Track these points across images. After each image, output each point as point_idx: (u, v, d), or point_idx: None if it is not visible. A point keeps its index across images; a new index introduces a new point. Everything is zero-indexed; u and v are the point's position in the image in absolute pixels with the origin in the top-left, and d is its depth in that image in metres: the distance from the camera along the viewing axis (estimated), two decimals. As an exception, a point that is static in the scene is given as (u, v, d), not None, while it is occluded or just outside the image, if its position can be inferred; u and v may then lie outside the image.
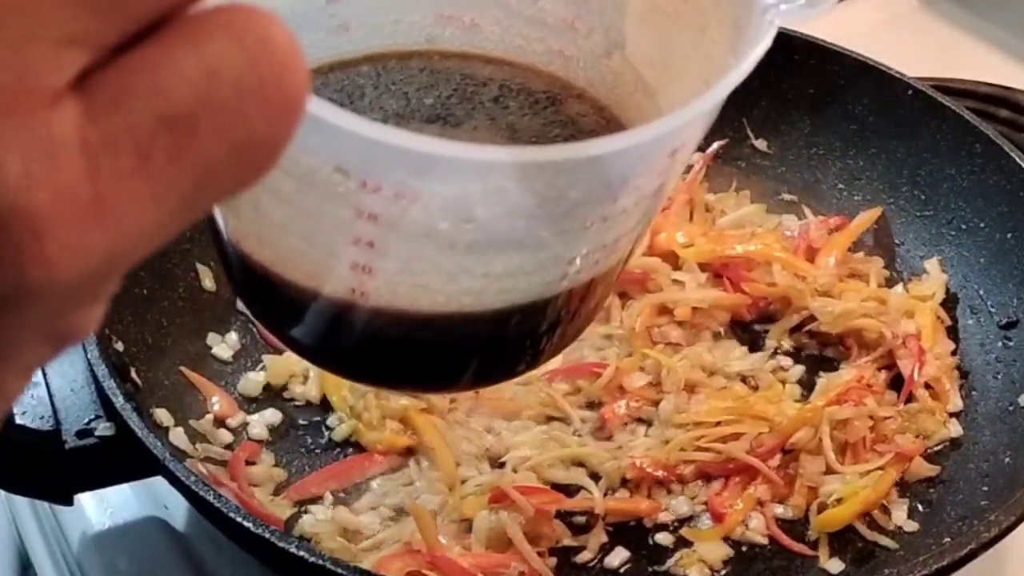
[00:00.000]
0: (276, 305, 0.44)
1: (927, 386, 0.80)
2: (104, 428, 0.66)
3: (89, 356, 0.67)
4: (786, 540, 0.73)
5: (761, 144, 0.98)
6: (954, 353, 0.84)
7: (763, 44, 0.41)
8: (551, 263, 0.41)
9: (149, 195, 0.24)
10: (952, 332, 0.85)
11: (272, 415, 0.78)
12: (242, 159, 0.25)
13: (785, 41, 0.96)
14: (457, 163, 0.36)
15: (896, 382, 0.81)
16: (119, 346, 0.71)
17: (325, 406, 0.78)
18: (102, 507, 0.74)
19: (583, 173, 0.38)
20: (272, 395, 0.79)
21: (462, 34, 0.51)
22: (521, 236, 0.39)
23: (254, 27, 0.25)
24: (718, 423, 0.76)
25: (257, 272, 0.42)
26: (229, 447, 0.75)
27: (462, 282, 0.40)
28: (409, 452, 0.76)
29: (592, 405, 0.79)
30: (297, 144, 0.35)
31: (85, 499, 0.73)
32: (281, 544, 0.59)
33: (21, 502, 0.77)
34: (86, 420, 0.67)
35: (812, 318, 0.84)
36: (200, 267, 0.81)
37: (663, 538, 0.73)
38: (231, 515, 0.60)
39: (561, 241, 0.40)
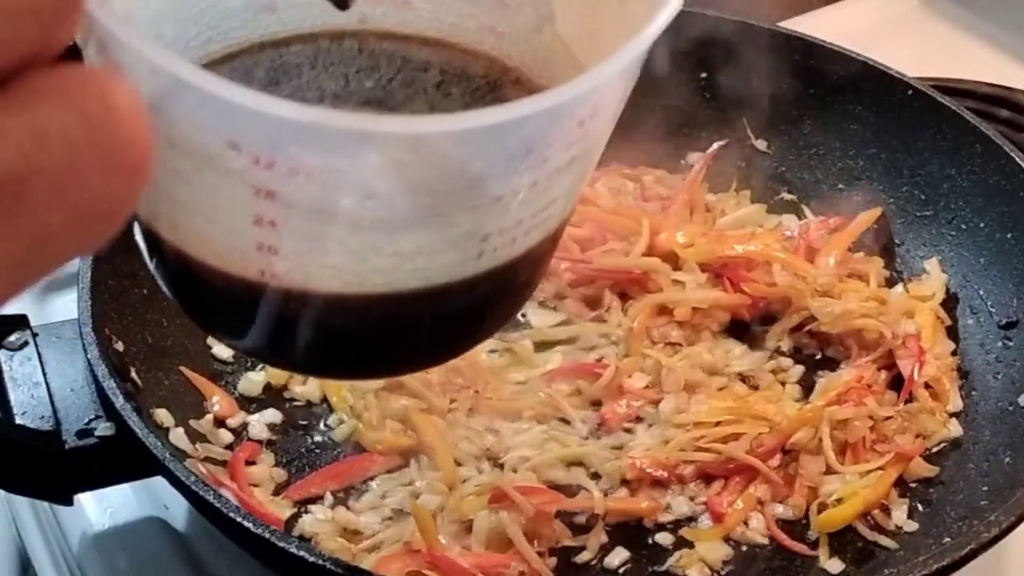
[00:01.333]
0: (194, 291, 0.44)
1: (927, 386, 0.80)
2: (104, 428, 0.66)
3: (89, 356, 0.67)
4: (786, 540, 0.73)
5: (761, 144, 0.98)
6: (954, 353, 0.84)
7: (667, 10, 0.40)
8: (463, 240, 0.40)
9: None
10: (952, 332, 0.85)
11: (272, 415, 0.78)
12: (82, 223, 0.25)
13: (785, 41, 0.97)
14: (347, 135, 0.35)
15: (896, 382, 0.81)
16: (119, 346, 0.71)
17: (325, 406, 0.78)
18: (102, 507, 0.74)
19: (481, 144, 0.37)
20: (272, 395, 0.79)
21: (394, 12, 0.50)
22: (427, 212, 0.38)
23: (90, 88, 0.24)
24: (718, 423, 0.76)
25: (171, 256, 0.42)
26: (229, 447, 0.75)
27: (372, 261, 0.39)
28: (409, 452, 0.76)
29: (592, 405, 0.79)
30: (187, 119, 0.33)
31: (85, 499, 0.73)
32: (281, 544, 0.59)
33: (21, 502, 0.77)
34: (86, 420, 0.67)
35: (812, 318, 0.84)
36: (200, 267, 0.81)
37: (663, 538, 0.73)
38: (231, 515, 0.60)
39: (471, 217, 0.39)
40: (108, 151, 0.25)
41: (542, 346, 0.83)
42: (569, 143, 0.39)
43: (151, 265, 0.45)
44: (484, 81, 0.49)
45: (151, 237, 0.43)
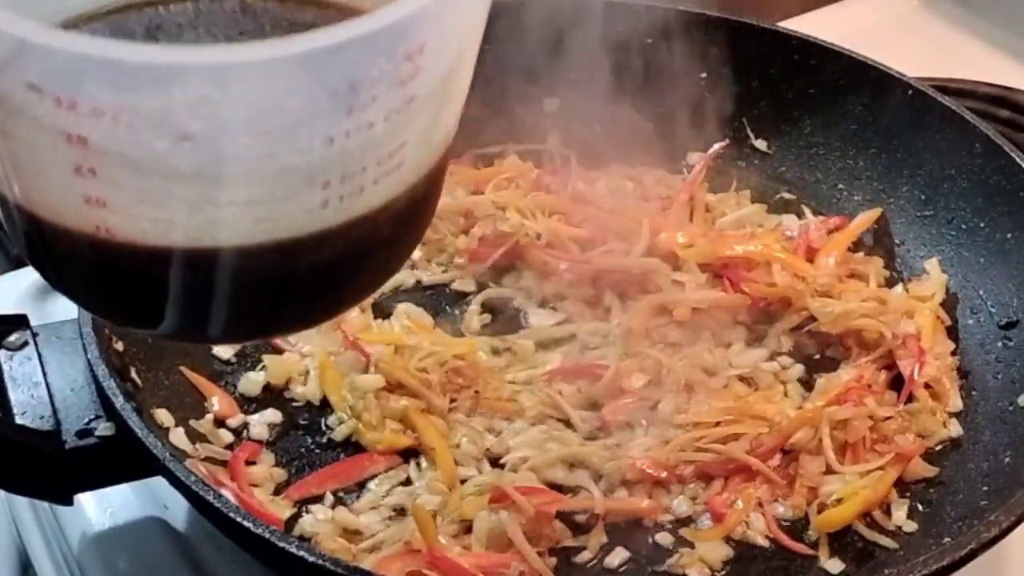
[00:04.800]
0: (42, 251, 0.42)
1: (927, 386, 0.80)
2: (104, 428, 0.66)
3: (89, 356, 0.67)
4: (786, 540, 0.73)
5: (761, 144, 0.98)
6: (954, 353, 0.84)
7: None
8: (302, 187, 0.38)
9: None
10: (952, 332, 0.85)
11: (272, 415, 0.78)
12: None
13: (785, 41, 0.97)
14: (142, 69, 0.34)
15: (896, 382, 0.81)
16: (119, 346, 0.71)
17: (325, 406, 0.78)
18: (102, 507, 0.74)
19: (294, 77, 0.35)
20: (272, 395, 0.79)
21: None
22: (253, 155, 0.37)
23: None
24: (718, 423, 0.76)
25: (17, 214, 0.41)
26: (229, 447, 0.75)
27: (208, 212, 0.38)
28: (409, 452, 0.76)
29: (592, 405, 0.79)
30: None
31: (85, 499, 0.73)
32: (281, 544, 0.59)
33: (21, 502, 0.77)
34: (86, 420, 0.67)
35: (812, 318, 0.84)
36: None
37: (663, 538, 0.73)
38: (231, 515, 0.60)
39: (303, 161, 0.37)
40: None
41: (542, 346, 0.83)
42: (402, 79, 0.37)
43: (24, 253, 0.44)
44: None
45: (8, 210, 0.41)
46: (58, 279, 0.45)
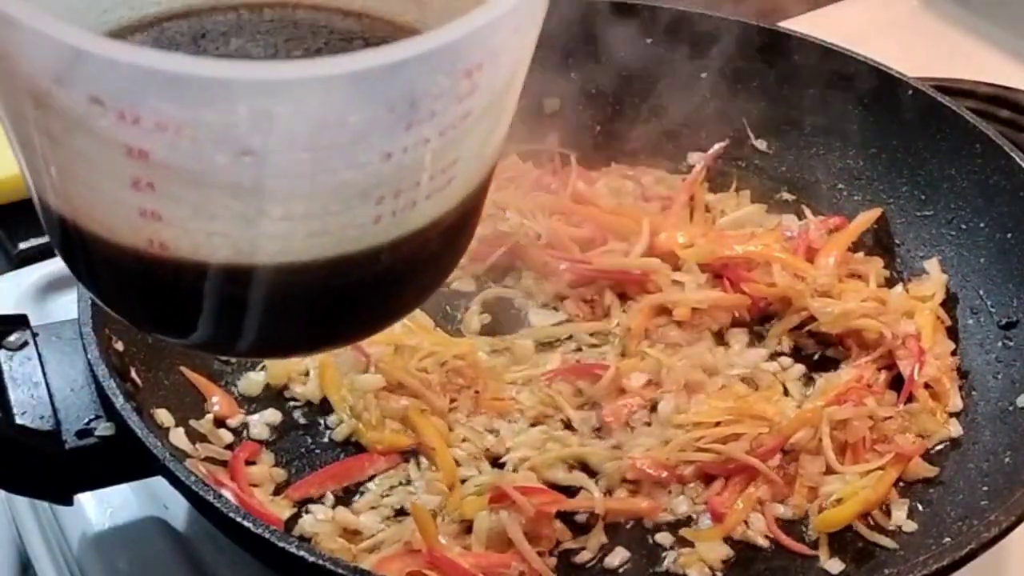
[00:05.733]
0: (95, 269, 0.42)
1: (927, 386, 0.80)
2: (104, 428, 0.66)
3: (89, 356, 0.67)
4: (786, 540, 0.72)
5: (761, 144, 0.98)
6: (954, 353, 0.84)
7: None
8: (356, 201, 0.38)
9: None
10: (952, 332, 0.85)
11: (272, 415, 0.78)
12: None
13: (785, 41, 0.97)
14: (207, 84, 0.34)
15: (896, 382, 0.81)
16: (119, 346, 0.71)
17: (325, 406, 0.78)
18: (102, 507, 0.74)
19: (356, 93, 0.35)
20: (272, 395, 0.79)
21: None
22: (311, 170, 0.37)
23: None
24: (718, 423, 0.76)
25: (68, 230, 0.41)
26: (229, 447, 0.75)
27: (263, 227, 0.38)
28: (409, 452, 0.76)
29: (592, 405, 0.79)
30: (51, 75, 0.32)
31: (85, 499, 0.73)
32: (281, 544, 0.59)
33: (21, 502, 0.77)
34: (86, 420, 0.67)
35: (812, 318, 0.84)
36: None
37: (663, 538, 0.73)
38: (231, 515, 0.60)
39: (360, 176, 0.38)
40: None
41: (542, 346, 0.83)
42: (459, 96, 0.38)
43: (66, 261, 0.44)
44: None
45: (57, 224, 0.41)
46: (97, 287, 0.45)
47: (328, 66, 0.34)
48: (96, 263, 0.42)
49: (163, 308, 0.43)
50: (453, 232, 0.43)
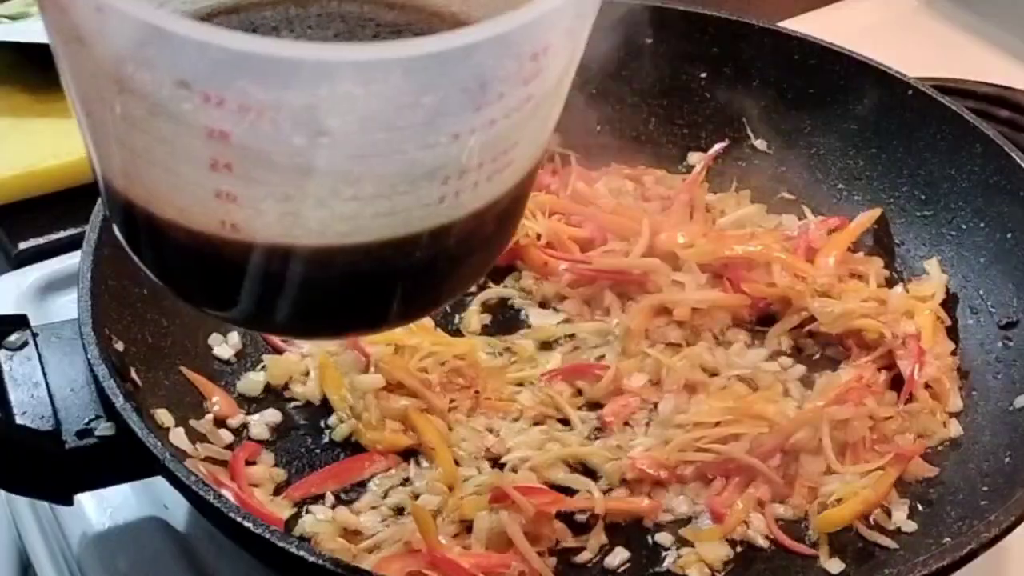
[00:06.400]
0: (167, 257, 0.43)
1: (927, 386, 0.80)
2: (104, 428, 0.66)
3: (89, 356, 0.67)
4: (786, 540, 0.72)
5: (761, 144, 0.98)
6: (954, 353, 0.84)
7: None
8: (424, 181, 0.39)
9: None
10: (952, 332, 0.85)
11: (272, 415, 0.78)
12: None
13: (785, 41, 0.97)
14: (294, 65, 0.35)
15: (896, 382, 0.81)
16: (119, 346, 0.71)
17: (325, 406, 0.78)
18: (102, 507, 0.74)
19: (432, 74, 0.36)
20: (272, 395, 0.79)
21: None
22: (384, 150, 0.38)
23: None
24: (718, 423, 0.76)
25: (139, 218, 0.41)
26: (229, 447, 0.75)
27: (333, 207, 0.39)
28: (409, 452, 0.76)
29: (592, 405, 0.80)
30: (136, 59, 0.33)
31: (85, 499, 0.73)
32: (281, 544, 0.59)
33: (21, 502, 0.77)
34: (86, 420, 0.67)
35: (812, 318, 0.84)
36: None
37: (663, 538, 0.73)
38: (231, 515, 0.60)
39: (429, 156, 0.39)
40: None
41: (542, 346, 0.83)
42: (525, 78, 0.39)
43: (126, 243, 0.45)
44: None
45: (122, 207, 0.42)
46: (157, 265, 0.45)
47: (409, 47, 0.35)
48: (161, 242, 0.42)
49: (224, 286, 0.43)
50: (506, 215, 0.45)
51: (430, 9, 0.50)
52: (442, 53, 0.36)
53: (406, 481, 0.74)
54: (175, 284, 0.47)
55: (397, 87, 0.36)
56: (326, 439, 0.77)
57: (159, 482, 0.64)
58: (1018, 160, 0.85)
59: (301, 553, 0.59)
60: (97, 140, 0.41)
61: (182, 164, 0.38)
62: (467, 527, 0.71)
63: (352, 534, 0.71)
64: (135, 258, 0.45)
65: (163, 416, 0.72)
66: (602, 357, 0.82)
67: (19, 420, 0.66)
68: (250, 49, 0.34)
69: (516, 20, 0.36)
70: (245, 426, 0.77)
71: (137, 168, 0.40)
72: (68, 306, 0.79)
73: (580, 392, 0.80)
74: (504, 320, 0.86)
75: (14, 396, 0.67)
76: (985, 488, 0.73)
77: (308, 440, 0.77)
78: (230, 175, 0.38)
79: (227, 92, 0.35)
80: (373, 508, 0.73)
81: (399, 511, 0.72)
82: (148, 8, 0.34)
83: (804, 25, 1.04)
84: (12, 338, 0.69)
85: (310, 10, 0.49)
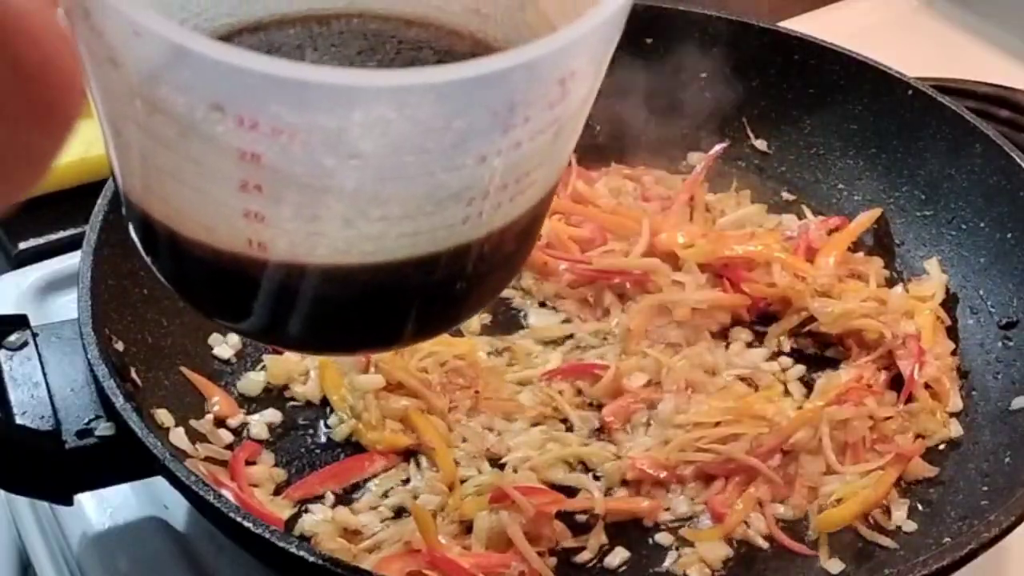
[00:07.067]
0: (187, 272, 0.44)
1: (927, 386, 0.80)
2: (104, 428, 0.66)
3: (89, 356, 0.67)
4: (786, 540, 0.72)
5: (761, 144, 0.98)
6: (954, 353, 0.84)
7: None
8: (450, 203, 0.40)
9: None
10: (952, 332, 0.85)
11: (272, 415, 0.78)
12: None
13: (785, 41, 0.97)
14: (329, 90, 0.35)
15: (896, 382, 0.81)
16: (119, 346, 0.71)
17: (325, 406, 0.78)
18: (102, 507, 0.74)
19: (464, 99, 0.37)
20: (272, 395, 0.79)
21: None
22: (413, 172, 0.38)
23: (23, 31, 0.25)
24: (718, 423, 0.76)
25: (161, 233, 0.42)
26: (229, 447, 0.75)
27: (360, 227, 0.39)
28: (409, 452, 0.76)
29: (592, 405, 0.80)
30: (172, 82, 0.34)
31: (85, 499, 0.73)
32: (281, 544, 0.59)
33: (21, 502, 0.77)
34: (86, 420, 0.67)
35: (812, 318, 0.84)
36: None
37: (663, 538, 0.73)
38: (231, 515, 0.60)
39: (456, 178, 0.39)
40: (35, 100, 0.25)
41: (542, 346, 0.83)
42: (551, 102, 0.39)
43: (145, 254, 0.45)
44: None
45: (144, 222, 0.43)
46: (178, 280, 0.46)
47: (444, 73, 0.36)
48: (183, 257, 0.43)
49: (242, 300, 0.44)
50: (525, 234, 0.45)
51: (449, 27, 0.50)
52: (477, 79, 0.36)
53: (406, 481, 0.74)
54: (191, 295, 0.47)
55: (429, 111, 0.37)
56: (326, 439, 0.77)
57: (159, 482, 0.64)
58: (1018, 160, 0.85)
59: (301, 553, 0.59)
60: (122, 157, 0.42)
61: (211, 184, 0.39)
62: (467, 527, 0.71)
63: (352, 534, 0.71)
64: (152, 266, 0.46)
65: (163, 416, 0.72)
66: (602, 357, 0.82)
67: (19, 420, 0.66)
68: (288, 75, 0.34)
69: (548, 46, 0.37)
70: (245, 426, 0.77)
71: (164, 186, 0.40)
72: (68, 306, 0.79)
73: (580, 392, 0.80)
74: (504, 320, 0.86)
75: (14, 396, 0.67)
76: (985, 488, 0.73)
77: (308, 440, 0.77)
78: (260, 196, 0.38)
79: (261, 116, 0.36)
80: (373, 508, 0.73)
81: (399, 511, 0.72)
82: (185, 32, 0.34)
83: (804, 25, 1.04)
84: (12, 338, 0.69)
85: (333, 27, 0.50)
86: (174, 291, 0.46)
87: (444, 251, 0.42)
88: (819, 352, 0.85)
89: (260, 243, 0.40)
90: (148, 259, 0.46)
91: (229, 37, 0.49)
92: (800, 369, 0.83)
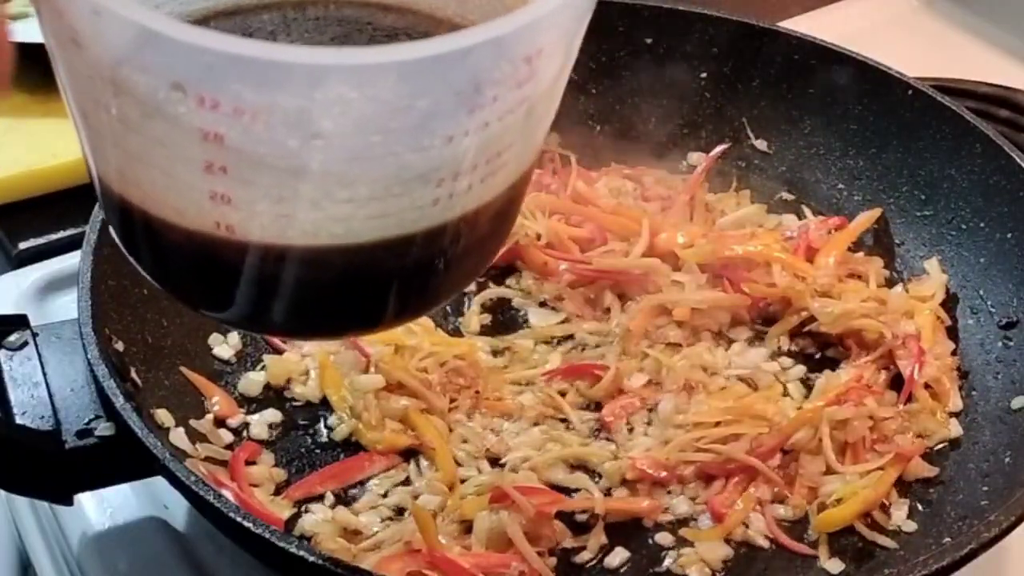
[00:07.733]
0: (163, 258, 0.44)
1: (927, 386, 0.80)
2: (104, 428, 0.66)
3: (89, 356, 0.67)
4: (786, 540, 0.72)
5: (761, 144, 0.98)
6: (954, 353, 0.84)
7: None
8: (417, 184, 0.40)
9: None
10: (952, 332, 0.85)
11: (272, 415, 0.78)
12: None
13: (785, 41, 0.97)
14: (288, 68, 0.35)
15: (896, 382, 0.81)
16: (119, 346, 0.71)
17: (325, 406, 0.78)
18: (102, 507, 0.74)
19: (426, 78, 0.37)
20: (272, 395, 0.79)
21: None
22: (378, 153, 0.38)
23: None
24: (718, 423, 0.76)
25: (134, 216, 0.42)
26: (229, 447, 0.75)
27: (327, 209, 0.39)
28: (409, 452, 0.76)
29: (592, 405, 0.80)
30: (133, 62, 0.34)
31: (85, 499, 0.73)
32: (281, 544, 0.59)
33: (21, 502, 0.77)
34: (86, 420, 0.67)
35: (812, 318, 0.84)
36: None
37: (663, 538, 0.73)
38: (231, 515, 0.60)
39: (423, 159, 0.39)
40: None
41: (542, 346, 0.83)
42: (519, 81, 0.39)
43: (123, 246, 0.45)
44: None
45: (119, 209, 0.42)
46: (154, 267, 0.46)
47: (403, 51, 0.36)
48: (157, 244, 0.43)
49: (219, 287, 0.44)
50: (501, 216, 0.45)
51: (427, 13, 0.50)
52: (437, 57, 0.36)
53: (406, 481, 0.74)
54: (172, 286, 0.47)
55: (391, 90, 0.37)
56: (326, 439, 0.77)
57: (159, 482, 0.64)
58: (1018, 160, 0.85)
59: (301, 553, 0.59)
60: (93, 142, 0.42)
61: (177, 166, 0.39)
62: (467, 527, 0.71)
63: (352, 534, 0.71)
64: (132, 260, 0.46)
65: (163, 416, 0.72)
66: (602, 357, 0.81)
67: (19, 420, 0.66)
68: (244, 53, 0.34)
69: (510, 24, 0.37)
70: (245, 426, 0.77)
71: (133, 169, 0.40)
72: (68, 306, 0.79)
73: (580, 392, 0.80)
74: (504, 320, 0.86)
75: (14, 396, 0.67)
76: (985, 488, 0.73)
77: (308, 440, 0.77)
78: (225, 177, 0.38)
79: (222, 95, 0.36)
80: (373, 508, 0.73)
81: (399, 511, 0.72)
82: (144, 11, 0.34)
83: (804, 25, 1.04)
84: (12, 338, 0.69)
85: (307, 14, 0.49)
86: (154, 283, 0.46)
87: (415, 233, 0.41)
88: (819, 352, 0.85)
89: (228, 225, 0.40)
90: (125, 249, 0.46)
91: (204, 21, 0.48)
92: (800, 369, 0.83)
